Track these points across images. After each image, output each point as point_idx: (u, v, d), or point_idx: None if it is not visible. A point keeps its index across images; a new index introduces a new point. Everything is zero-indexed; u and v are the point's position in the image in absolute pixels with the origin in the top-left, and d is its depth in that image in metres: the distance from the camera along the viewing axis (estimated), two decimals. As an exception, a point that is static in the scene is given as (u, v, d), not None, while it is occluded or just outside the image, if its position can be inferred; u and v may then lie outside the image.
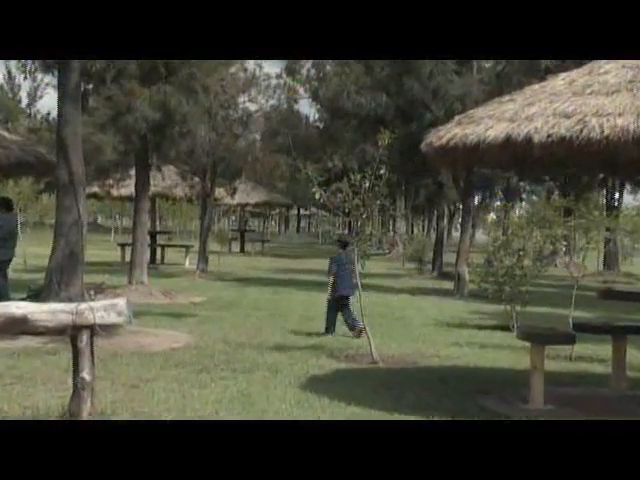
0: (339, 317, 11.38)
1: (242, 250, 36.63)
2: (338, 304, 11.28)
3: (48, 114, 36.99)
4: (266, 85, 21.21)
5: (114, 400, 6.67)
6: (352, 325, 11.17)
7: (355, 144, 36.21)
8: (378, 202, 9.50)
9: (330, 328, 11.37)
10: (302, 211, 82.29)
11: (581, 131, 5.97)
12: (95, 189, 22.25)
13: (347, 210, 9.56)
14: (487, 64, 23.68)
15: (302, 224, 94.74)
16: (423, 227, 55.48)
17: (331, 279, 11.23)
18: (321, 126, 47.11)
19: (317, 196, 9.36)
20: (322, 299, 16.28)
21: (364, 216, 9.49)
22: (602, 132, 5.89)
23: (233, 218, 76.77)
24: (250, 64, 20.85)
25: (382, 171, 9.24)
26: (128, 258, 17.72)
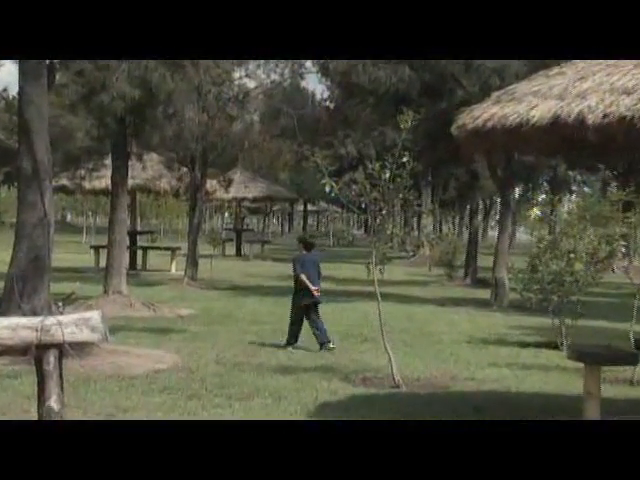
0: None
1: (238, 253, 36.71)
2: (306, 313, 11.73)
3: (5, 91, 37.15)
4: (266, 57, 21.21)
5: (87, 432, 6.67)
6: (322, 338, 11.61)
7: (372, 127, 36.20)
8: (400, 196, 9.48)
9: (292, 340, 11.72)
10: (309, 207, 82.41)
11: (644, 110, 5.93)
12: (64, 181, 22.33)
13: (363, 205, 9.55)
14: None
15: (309, 222, 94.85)
16: (453, 225, 55.59)
17: (303, 277, 11.66)
18: (332, 106, 47.21)
19: (327, 189, 9.34)
20: (333, 311, 16.40)
21: (384, 212, 9.47)
22: (669, 111, 5.85)
23: (227, 215, 76.97)
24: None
25: (405, 159, 9.22)
26: (103, 263, 17.76)
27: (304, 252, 12.05)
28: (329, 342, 11.61)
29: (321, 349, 11.52)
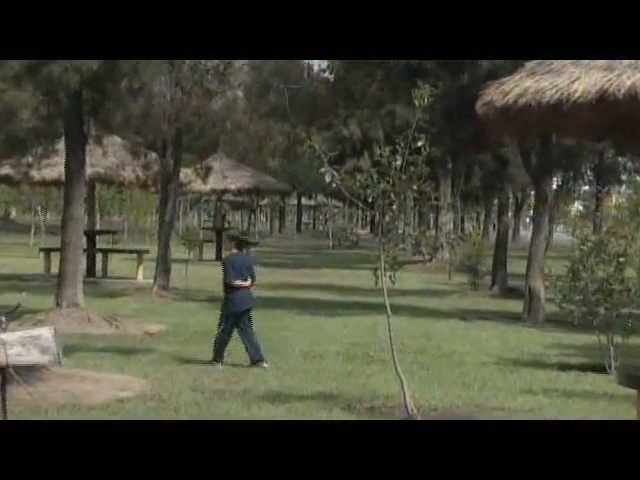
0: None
1: (219, 257, 36.72)
2: (237, 322, 12.22)
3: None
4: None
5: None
6: (254, 353, 12.12)
7: (381, 104, 36.24)
8: (414, 187, 9.46)
9: (219, 356, 12.15)
10: (304, 201, 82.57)
11: None
12: (7, 170, 22.30)
13: (370, 199, 9.53)
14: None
15: (304, 219, 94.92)
16: (478, 223, 55.60)
17: (238, 282, 12.17)
18: (332, 78, 47.30)
19: (327, 179, 9.32)
20: (334, 326, 16.41)
21: (394, 207, 9.46)
22: None
23: (205, 211, 76.94)
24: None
25: (420, 143, 9.21)
26: (55, 269, 17.74)
27: (234, 251, 12.48)
28: (262, 361, 12.05)
29: (252, 364, 12.02)
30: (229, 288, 12.25)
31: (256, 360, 12.03)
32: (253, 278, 12.35)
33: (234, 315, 12.21)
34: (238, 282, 12.17)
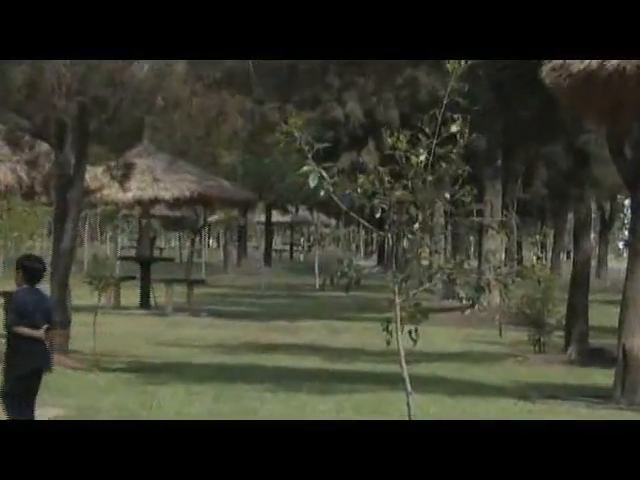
0: None
1: (144, 303, 36.70)
2: (25, 389, 12.28)
3: None
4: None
5: None
6: None
7: (395, 69, 36.32)
8: (446, 196, 9.52)
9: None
10: (277, 216, 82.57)
11: None
12: None
13: (379, 213, 9.57)
14: None
15: (277, 245, 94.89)
16: (543, 249, 55.99)
17: (22, 329, 12.15)
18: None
19: (312, 183, 9.36)
20: (323, 410, 16.35)
21: (416, 227, 9.50)
22: None
23: (123, 232, 76.86)
24: None
25: (455, 128, 9.27)
26: None
27: (25, 286, 12.57)
28: None
29: None
30: (12, 339, 12.25)
31: None
32: (51, 325, 12.41)
33: (18, 380, 12.21)
34: (25, 330, 12.15)
